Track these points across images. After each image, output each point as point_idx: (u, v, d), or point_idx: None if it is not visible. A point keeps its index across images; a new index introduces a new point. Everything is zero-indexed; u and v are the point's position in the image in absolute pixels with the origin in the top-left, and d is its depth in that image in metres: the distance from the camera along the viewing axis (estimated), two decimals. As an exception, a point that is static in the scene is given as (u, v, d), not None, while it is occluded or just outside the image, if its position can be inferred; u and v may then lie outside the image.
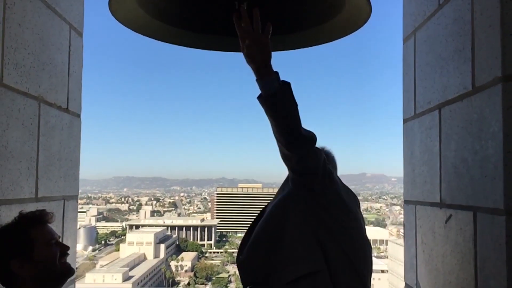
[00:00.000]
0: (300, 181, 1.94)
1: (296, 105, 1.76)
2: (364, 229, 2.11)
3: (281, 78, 1.79)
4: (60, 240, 1.91)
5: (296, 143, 1.78)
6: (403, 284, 2.78)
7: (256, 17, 1.76)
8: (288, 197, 2.00)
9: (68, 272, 1.82)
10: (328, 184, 1.96)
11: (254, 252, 2.00)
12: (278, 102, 1.73)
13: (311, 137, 1.84)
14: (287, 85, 1.76)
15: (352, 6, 2.03)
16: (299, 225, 1.92)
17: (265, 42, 1.78)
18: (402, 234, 2.85)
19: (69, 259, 1.89)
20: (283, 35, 2.33)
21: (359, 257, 1.97)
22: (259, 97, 1.77)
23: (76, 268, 2.38)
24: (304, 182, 1.93)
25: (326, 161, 2.02)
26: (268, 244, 1.97)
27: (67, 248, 1.86)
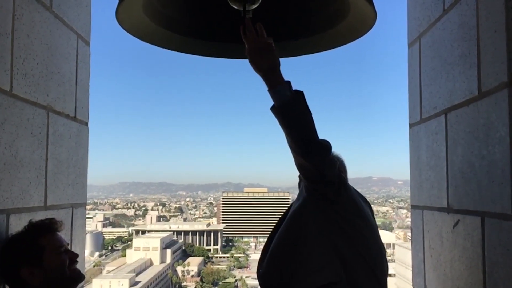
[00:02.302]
0: (316, 190, 1.94)
1: (310, 114, 1.74)
2: (379, 234, 2.12)
3: (290, 84, 1.79)
4: (69, 247, 1.93)
5: (312, 152, 1.76)
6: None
7: (260, 27, 1.78)
8: (303, 207, 2.00)
9: (78, 278, 1.84)
10: (343, 192, 1.96)
11: (273, 264, 2.03)
12: (291, 112, 1.71)
13: (326, 146, 1.83)
14: (299, 94, 1.74)
15: (357, 12, 2.04)
16: (316, 235, 1.93)
17: (268, 46, 1.78)
18: (409, 238, 2.85)
19: (78, 266, 1.91)
20: (289, 42, 2.34)
21: (376, 263, 1.98)
22: (272, 108, 1.75)
23: (85, 272, 2.39)
24: (320, 190, 1.93)
25: (340, 168, 2.03)
26: (286, 256, 1.98)
27: (76, 255, 1.88)
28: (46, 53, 2.26)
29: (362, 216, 2.02)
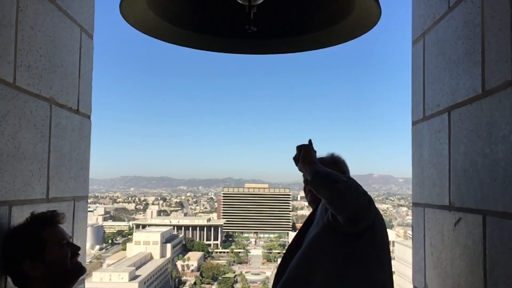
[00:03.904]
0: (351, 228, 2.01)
1: (333, 182, 1.92)
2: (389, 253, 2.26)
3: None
4: (71, 240, 1.94)
5: (346, 212, 1.93)
6: (410, 286, 2.78)
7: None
8: (324, 235, 2.08)
9: (80, 271, 1.85)
10: (370, 233, 2.05)
11: (289, 286, 2.12)
12: (315, 186, 2.00)
13: (361, 204, 1.94)
14: (316, 173, 2.00)
15: (362, 9, 2.03)
16: (332, 265, 2.02)
17: (305, 147, 2.17)
18: (409, 236, 2.86)
19: (79, 259, 1.91)
20: (293, 38, 2.34)
21: (387, 283, 2.11)
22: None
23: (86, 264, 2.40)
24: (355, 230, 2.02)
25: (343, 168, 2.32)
26: (302, 281, 2.06)
27: (78, 248, 1.88)
28: (50, 45, 2.26)
29: (383, 250, 2.12)
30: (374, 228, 2.04)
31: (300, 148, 2.15)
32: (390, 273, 2.15)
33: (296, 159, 2.15)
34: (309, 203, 2.44)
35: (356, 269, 2.01)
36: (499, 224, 1.75)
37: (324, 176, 1.95)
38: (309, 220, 2.29)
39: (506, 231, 1.70)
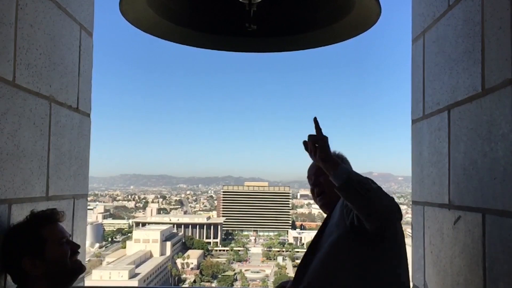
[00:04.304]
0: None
1: (366, 191, 1.82)
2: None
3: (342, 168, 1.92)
4: (71, 238, 1.94)
5: (377, 221, 1.85)
6: (411, 284, 2.78)
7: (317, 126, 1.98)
8: (344, 237, 2.02)
9: (79, 269, 1.85)
10: (394, 235, 2.02)
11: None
12: (346, 193, 1.85)
13: (392, 214, 1.89)
14: (349, 180, 1.86)
15: (362, 7, 2.03)
16: (355, 267, 1.97)
17: (321, 142, 1.95)
18: (409, 234, 2.85)
19: (79, 257, 1.91)
20: (293, 36, 2.34)
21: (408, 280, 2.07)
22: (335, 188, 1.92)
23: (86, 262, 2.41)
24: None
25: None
26: (325, 282, 2.02)
27: (78, 247, 1.88)
28: (49, 43, 2.25)
29: (403, 248, 2.06)
30: (395, 230, 2.01)
31: (315, 140, 1.95)
32: (408, 270, 2.12)
33: (313, 153, 1.97)
34: (320, 206, 2.30)
35: (381, 270, 1.97)
36: (499, 222, 1.75)
37: (357, 184, 1.83)
38: (326, 222, 2.21)
39: (506, 230, 1.70)
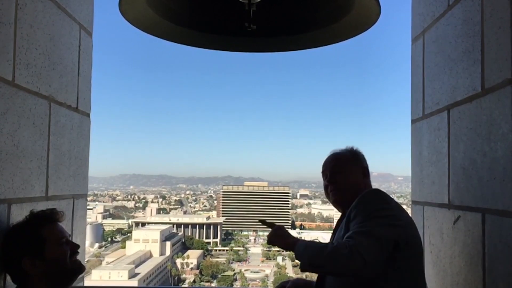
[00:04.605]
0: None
1: (321, 267, 1.82)
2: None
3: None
4: (70, 238, 1.93)
5: (360, 275, 1.76)
6: None
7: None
8: None
9: (79, 269, 1.85)
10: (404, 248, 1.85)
11: None
12: (309, 267, 1.83)
13: (350, 270, 1.74)
14: (302, 264, 1.83)
15: (362, 7, 2.03)
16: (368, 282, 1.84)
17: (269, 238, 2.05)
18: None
19: (78, 257, 1.91)
20: (293, 36, 2.34)
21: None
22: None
23: (86, 262, 2.40)
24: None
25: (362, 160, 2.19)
26: None
27: (78, 247, 1.88)
28: (49, 43, 2.25)
29: (418, 261, 1.99)
30: (405, 246, 1.84)
31: (270, 239, 2.03)
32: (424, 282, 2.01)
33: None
34: (332, 202, 2.20)
35: (393, 282, 1.85)
36: (498, 222, 1.75)
37: (311, 266, 1.81)
38: (340, 221, 2.11)
39: (505, 229, 1.70)
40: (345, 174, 2.13)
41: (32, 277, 1.73)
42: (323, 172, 2.23)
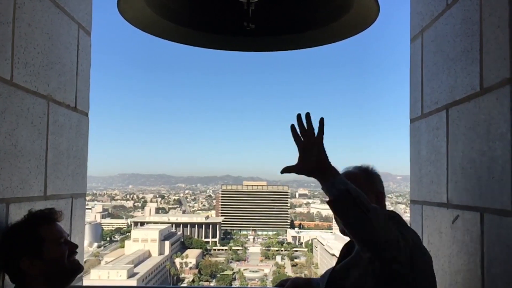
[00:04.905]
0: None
1: (366, 210, 1.55)
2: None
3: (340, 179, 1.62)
4: (69, 238, 1.93)
5: (369, 247, 1.61)
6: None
7: (309, 122, 1.62)
8: (358, 255, 1.75)
9: (77, 269, 1.84)
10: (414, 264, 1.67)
11: None
12: (341, 207, 1.59)
13: (385, 248, 1.59)
14: (343, 195, 1.57)
15: (360, 6, 2.03)
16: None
17: (317, 143, 1.61)
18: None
19: (77, 257, 1.91)
20: (292, 35, 2.34)
21: None
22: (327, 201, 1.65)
23: (84, 261, 2.40)
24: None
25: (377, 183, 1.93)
26: None
27: (76, 246, 1.88)
28: (47, 42, 2.25)
29: (431, 271, 1.80)
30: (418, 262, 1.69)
31: (309, 140, 1.60)
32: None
33: (305, 157, 1.61)
34: (340, 231, 1.84)
35: None
36: (497, 221, 1.75)
37: (357, 199, 1.55)
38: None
39: (504, 229, 1.70)
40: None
41: (31, 276, 1.72)
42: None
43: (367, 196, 1.69)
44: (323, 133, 1.61)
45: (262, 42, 2.40)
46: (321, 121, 1.61)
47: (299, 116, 1.61)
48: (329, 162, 1.62)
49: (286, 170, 1.64)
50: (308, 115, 1.61)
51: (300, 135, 1.62)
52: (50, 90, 2.27)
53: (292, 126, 1.62)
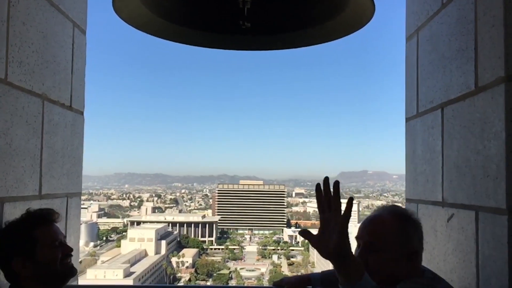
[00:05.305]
0: None
1: None
2: None
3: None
4: (65, 239, 1.91)
5: None
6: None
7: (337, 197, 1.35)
8: None
9: (70, 272, 1.81)
10: None
11: None
12: None
13: None
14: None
15: (356, 5, 2.03)
16: None
17: (340, 224, 1.33)
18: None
19: (72, 258, 1.89)
20: (287, 34, 2.34)
21: None
22: None
23: (80, 262, 2.39)
24: None
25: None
26: None
27: (71, 250, 1.85)
28: (42, 41, 2.24)
29: None
30: None
31: (335, 215, 1.33)
32: None
33: (324, 234, 1.33)
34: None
35: None
36: (492, 219, 1.76)
37: None
38: None
39: (499, 227, 1.71)
40: (381, 255, 1.57)
41: (23, 277, 1.71)
42: (358, 237, 1.67)
43: (397, 254, 1.53)
44: (350, 215, 1.32)
45: (258, 41, 2.40)
46: (350, 201, 1.34)
47: (326, 179, 1.37)
48: (350, 254, 1.32)
49: (306, 235, 1.38)
50: (336, 184, 1.36)
51: (323, 201, 1.36)
52: (45, 88, 2.26)
53: (318, 187, 1.37)
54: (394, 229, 1.62)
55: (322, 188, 1.36)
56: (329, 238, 1.32)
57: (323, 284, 2.05)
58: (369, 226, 1.64)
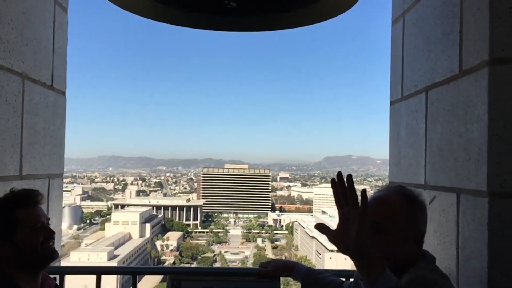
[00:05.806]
0: None
1: None
2: None
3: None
4: (48, 221, 1.87)
5: None
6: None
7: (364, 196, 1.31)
8: None
9: (51, 256, 1.78)
10: None
11: None
12: None
13: None
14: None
15: (342, -14, 2.02)
16: None
17: (358, 221, 1.30)
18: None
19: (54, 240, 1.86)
20: (272, 15, 2.31)
21: None
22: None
23: (63, 245, 2.36)
24: None
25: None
26: None
27: (53, 233, 1.81)
28: (22, 18, 2.18)
29: None
30: None
31: (353, 211, 1.30)
32: None
33: (343, 229, 1.31)
34: None
35: None
36: (472, 202, 1.78)
37: None
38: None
39: (479, 209, 1.73)
40: (388, 237, 1.53)
41: (2, 258, 1.68)
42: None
43: (404, 236, 1.50)
44: (367, 207, 1.30)
45: (243, 22, 2.38)
46: (364, 193, 1.31)
47: (339, 174, 1.35)
48: (370, 250, 1.29)
49: (323, 230, 1.35)
50: (350, 178, 1.33)
51: (339, 196, 1.33)
52: (25, 67, 2.21)
53: (333, 181, 1.34)
54: (403, 211, 1.58)
55: (337, 182, 1.33)
56: (348, 234, 1.30)
57: (304, 279, 2.06)
58: (376, 205, 1.56)
